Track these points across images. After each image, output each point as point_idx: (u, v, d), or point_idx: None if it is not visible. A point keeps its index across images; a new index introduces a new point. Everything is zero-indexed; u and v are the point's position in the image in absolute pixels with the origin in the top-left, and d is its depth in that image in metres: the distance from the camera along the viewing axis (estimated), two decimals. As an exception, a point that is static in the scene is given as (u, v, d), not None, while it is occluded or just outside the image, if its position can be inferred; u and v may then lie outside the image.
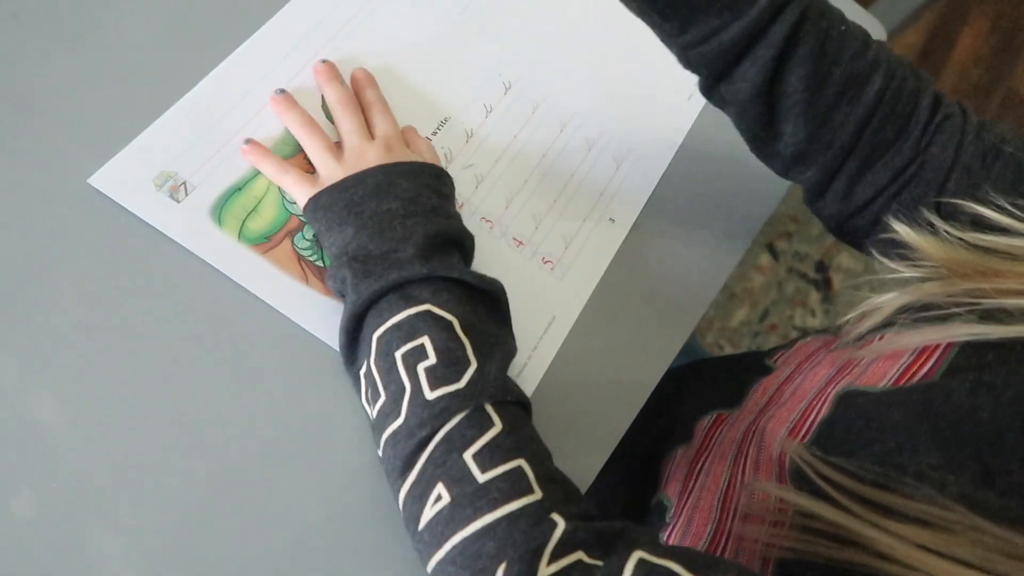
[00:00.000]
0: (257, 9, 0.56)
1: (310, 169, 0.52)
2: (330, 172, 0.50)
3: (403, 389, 0.41)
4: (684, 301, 0.57)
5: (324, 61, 0.55)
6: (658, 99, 0.63)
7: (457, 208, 0.54)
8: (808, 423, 0.45)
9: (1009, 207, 0.42)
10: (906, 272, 0.44)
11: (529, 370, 0.51)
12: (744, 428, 0.52)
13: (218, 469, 0.45)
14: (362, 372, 0.44)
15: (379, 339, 0.43)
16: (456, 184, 0.55)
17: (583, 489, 0.49)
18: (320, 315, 0.48)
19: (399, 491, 0.41)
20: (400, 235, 0.45)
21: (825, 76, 0.44)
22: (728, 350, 1.37)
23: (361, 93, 0.55)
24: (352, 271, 0.45)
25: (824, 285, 1.46)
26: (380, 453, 0.43)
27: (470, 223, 0.54)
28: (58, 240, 0.47)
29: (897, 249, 0.45)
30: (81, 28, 0.53)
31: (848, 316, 0.47)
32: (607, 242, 0.56)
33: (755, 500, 0.45)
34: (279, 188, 0.52)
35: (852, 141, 0.46)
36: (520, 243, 0.55)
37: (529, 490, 0.38)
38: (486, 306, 0.46)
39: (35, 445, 0.43)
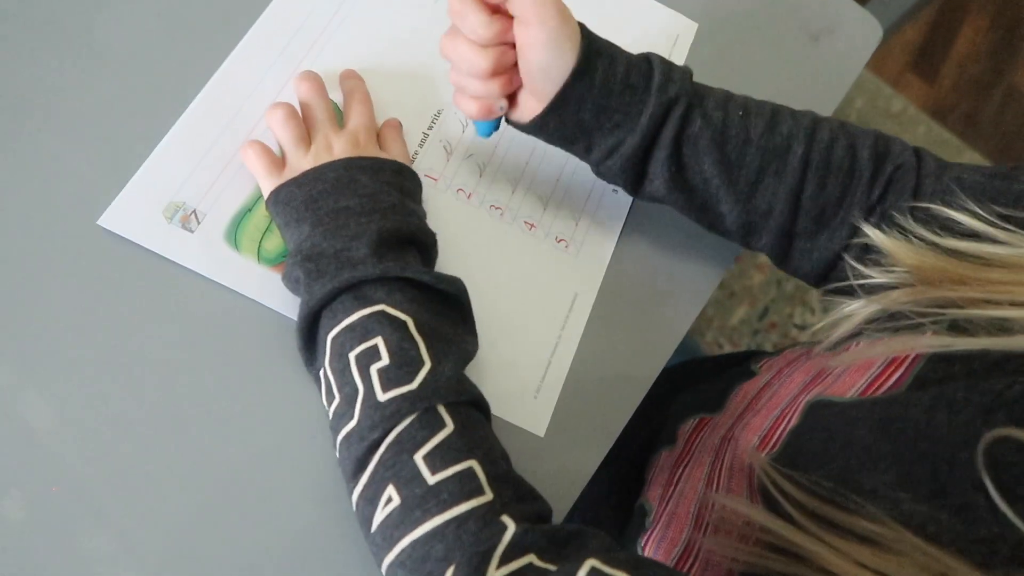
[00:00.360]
0: (233, 25, 0.55)
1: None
2: (295, 163, 0.49)
3: (356, 391, 0.41)
4: (684, 290, 0.57)
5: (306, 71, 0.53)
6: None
7: (466, 200, 0.54)
8: (779, 433, 0.46)
9: (980, 212, 0.42)
10: (878, 278, 0.44)
11: (561, 348, 0.52)
12: (722, 434, 0.53)
13: (234, 479, 0.45)
14: (319, 373, 0.44)
15: (333, 340, 0.43)
16: (461, 174, 0.55)
17: (580, 485, 0.50)
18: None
19: (352, 493, 0.41)
20: (353, 232, 0.44)
21: (739, 157, 0.47)
22: (727, 348, 1.36)
23: (342, 83, 0.54)
24: (305, 271, 0.44)
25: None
26: (336, 455, 0.43)
27: (481, 212, 0.55)
28: (78, 285, 0.47)
29: (870, 255, 0.46)
30: (62, 67, 0.51)
31: (820, 323, 0.47)
32: (614, 213, 0.57)
33: (725, 512, 0.45)
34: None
35: (791, 205, 0.48)
36: (532, 226, 0.55)
37: (479, 491, 0.38)
38: (444, 305, 0.46)
39: (28, 448, 0.43)
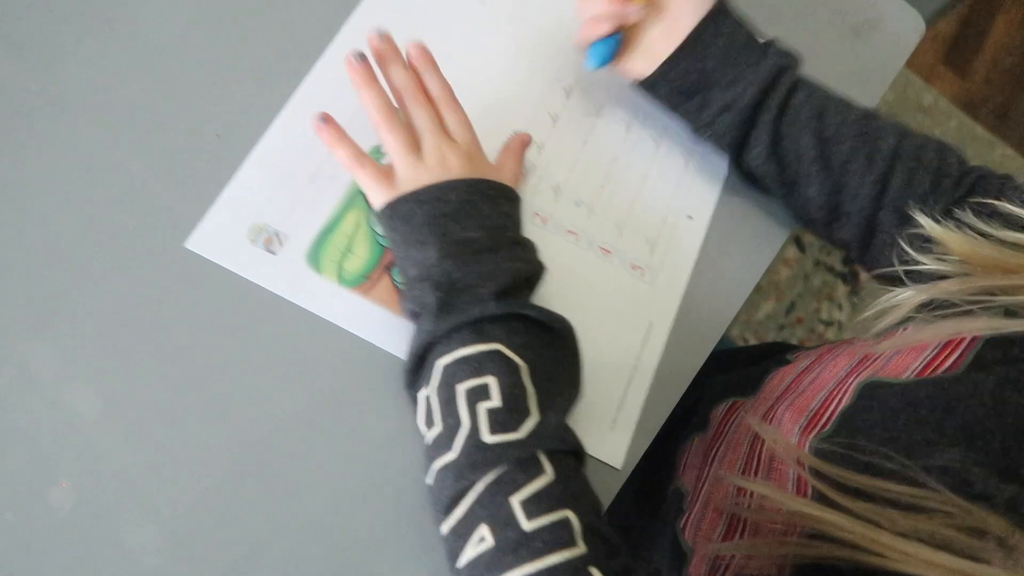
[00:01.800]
0: (312, 45, 0.55)
1: None
2: (409, 174, 0.47)
3: (460, 424, 0.41)
4: (722, 294, 0.57)
5: (380, 34, 0.49)
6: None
7: (542, 224, 0.54)
8: (828, 413, 0.46)
9: None
10: (930, 265, 0.45)
11: (636, 381, 0.52)
12: (760, 415, 0.53)
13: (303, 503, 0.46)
14: (420, 395, 0.44)
15: (446, 368, 0.43)
16: (536, 199, 0.55)
17: (621, 480, 0.50)
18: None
19: (443, 524, 0.41)
20: (487, 271, 0.45)
21: (835, 134, 0.50)
22: (753, 343, 1.34)
23: (425, 80, 0.50)
24: (436, 300, 0.44)
25: (851, 278, 1.43)
26: (428, 481, 0.43)
27: (556, 236, 0.55)
28: (167, 307, 0.47)
29: (924, 243, 0.47)
30: (145, 91, 0.52)
31: (867, 312, 0.48)
32: (689, 240, 0.57)
33: (765, 501, 0.45)
34: (367, 222, 0.51)
35: (878, 191, 0.49)
36: (607, 252, 0.55)
37: (572, 543, 0.38)
38: (554, 348, 0.46)
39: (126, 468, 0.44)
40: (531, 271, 0.47)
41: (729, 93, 0.51)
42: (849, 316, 1.42)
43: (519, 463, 0.40)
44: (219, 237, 0.49)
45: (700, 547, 0.51)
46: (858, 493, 0.36)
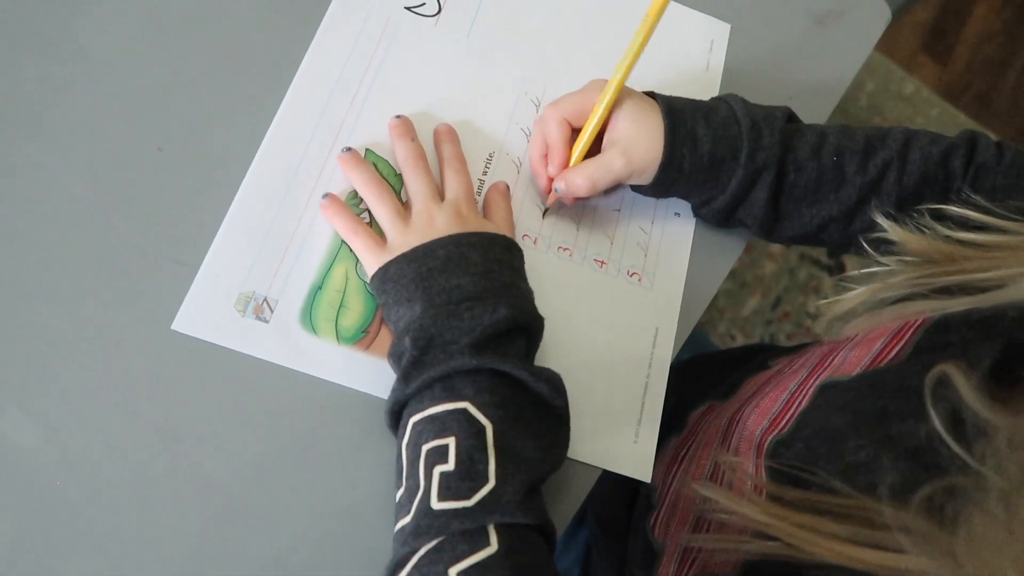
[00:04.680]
0: (264, 97, 0.52)
1: None
2: (399, 239, 0.48)
3: (418, 487, 0.41)
4: (693, 285, 0.56)
5: (399, 116, 0.53)
6: (680, 86, 0.62)
7: (532, 245, 0.53)
8: (789, 415, 0.47)
9: (990, 206, 0.44)
10: (892, 266, 0.46)
11: (652, 388, 0.52)
12: (729, 416, 0.54)
13: None
14: (399, 447, 0.44)
15: (414, 425, 0.42)
16: (523, 219, 0.54)
17: (594, 477, 0.49)
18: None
19: None
20: (464, 325, 0.43)
21: (836, 195, 0.51)
22: (740, 339, 1.34)
23: (438, 148, 0.53)
24: (410, 357, 0.43)
25: (837, 270, 1.41)
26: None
27: (549, 256, 0.53)
28: (160, 391, 0.45)
29: (886, 246, 0.48)
30: (93, 178, 0.49)
31: (826, 310, 0.49)
32: (680, 238, 0.56)
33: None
34: (357, 273, 0.50)
35: (891, 215, 0.49)
36: (602, 263, 0.54)
37: None
38: (534, 409, 0.44)
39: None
40: (523, 319, 0.45)
41: (704, 195, 0.53)
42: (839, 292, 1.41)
43: (463, 534, 0.39)
44: (206, 313, 0.47)
45: (670, 546, 0.52)
46: (796, 504, 0.38)
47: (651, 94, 0.52)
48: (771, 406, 0.50)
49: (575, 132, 0.53)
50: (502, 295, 0.45)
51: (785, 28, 0.66)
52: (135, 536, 0.43)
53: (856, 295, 0.46)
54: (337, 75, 0.54)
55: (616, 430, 0.50)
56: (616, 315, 0.53)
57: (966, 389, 0.34)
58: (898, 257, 0.46)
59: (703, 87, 0.61)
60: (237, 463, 0.45)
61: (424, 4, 0.58)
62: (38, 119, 0.49)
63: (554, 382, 0.44)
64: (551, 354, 0.50)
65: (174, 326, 0.46)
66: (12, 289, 0.45)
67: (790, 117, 0.53)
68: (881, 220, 0.48)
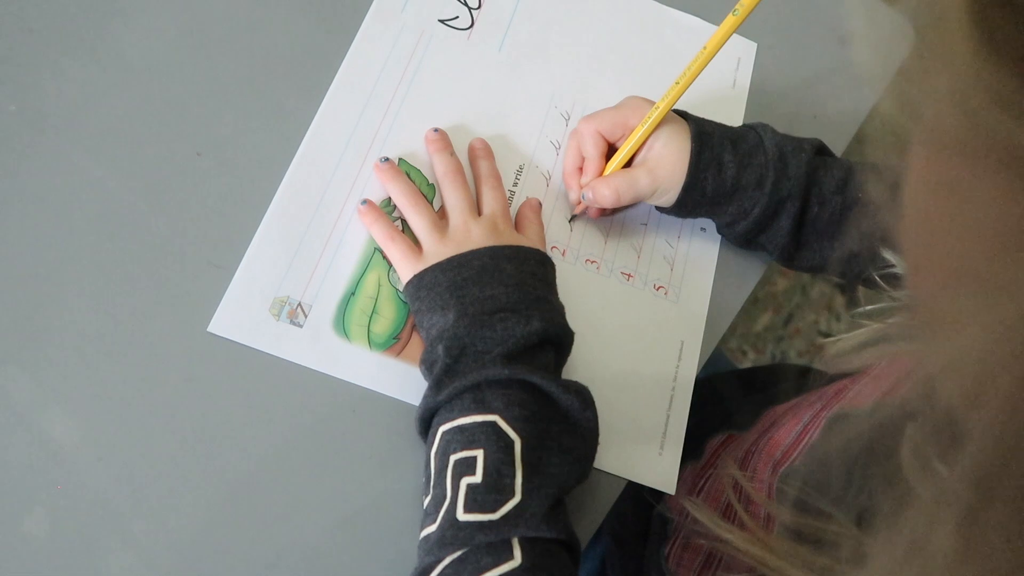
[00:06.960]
0: (300, 106, 0.53)
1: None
2: (435, 249, 0.49)
3: (444, 497, 0.41)
4: (717, 301, 0.56)
5: (436, 130, 0.54)
6: (707, 103, 0.63)
7: (561, 257, 0.54)
8: (800, 447, 0.47)
9: None
10: (903, 300, 0.46)
11: (677, 402, 0.52)
12: (746, 448, 0.54)
13: None
14: (427, 454, 0.44)
15: (443, 435, 0.43)
16: (551, 231, 0.55)
17: (614, 496, 0.50)
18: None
19: None
20: (498, 335, 0.44)
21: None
22: (751, 355, 1.35)
23: (474, 164, 0.54)
24: (443, 365, 0.44)
25: (850, 288, 1.39)
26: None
27: (577, 268, 0.54)
28: (197, 392, 0.46)
29: (897, 279, 0.47)
30: (132, 188, 0.50)
31: (838, 345, 0.48)
32: (706, 253, 0.57)
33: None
34: (389, 280, 0.50)
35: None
36: (629, 276, 0.55)
37: None
38: (562, 423, 0.44)
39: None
40: (553, 332, 0.45)
41: (728, 217, 0.53)
42: (848, 328, 1.39)
43: (488, 546, 0.39)
44: (241, 316, 0.47)
45: None
46: (798, 534, 0.37)
47: (684, 115, 0.53)
48: (784, 438, 0.50)
49: (608, 146, 0.53)
50: (535, 308, 0.45)
51: (810, 48, 0.67)
52: (169, 534, 0.43)
53: (857, 335, 0.46)
54: (372, 85, 0.55)
55: (641, 442, 0.51)
56: (643, 328, 0.54)
57: None
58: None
59: (730, 104, 0.62)
60: (268, 464, 0.46)
61: (457, 17, 0.59)
62: (81, 123, 0.50)
63: (583, 395, 0.45)
64: (578, 364, 0.51)
65: (210, 328, 0.47)
66: (52, 289, 0.46)
67: (819, 149, 0.53)
68: (889, 255, 0.47)
